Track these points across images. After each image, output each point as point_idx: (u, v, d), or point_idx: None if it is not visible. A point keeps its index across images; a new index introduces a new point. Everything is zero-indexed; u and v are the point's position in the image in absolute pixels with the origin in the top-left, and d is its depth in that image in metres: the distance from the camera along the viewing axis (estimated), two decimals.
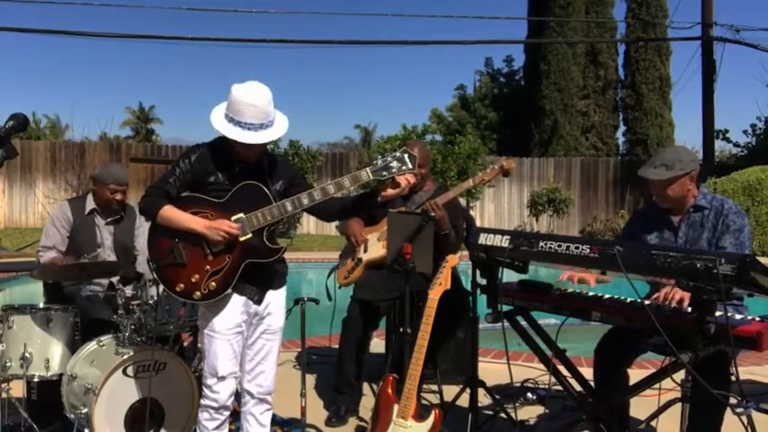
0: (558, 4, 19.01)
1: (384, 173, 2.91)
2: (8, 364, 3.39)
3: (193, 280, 2.85)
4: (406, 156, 2.92)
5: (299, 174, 3.26)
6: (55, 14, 50.15)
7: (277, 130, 2.87)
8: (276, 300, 3.07)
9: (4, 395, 3.41)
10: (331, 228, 15.42)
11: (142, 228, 4.13)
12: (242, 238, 2.85)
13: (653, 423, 3.03)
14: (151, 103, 31.99)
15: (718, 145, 17.73)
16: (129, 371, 3.29)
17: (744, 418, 2.67)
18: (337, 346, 4.22)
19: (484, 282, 3.26)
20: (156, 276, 2.91)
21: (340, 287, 4.17)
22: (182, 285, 2.86)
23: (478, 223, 14.28)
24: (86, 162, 15.40)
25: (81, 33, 16.20)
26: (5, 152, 2.23)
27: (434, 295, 3.11)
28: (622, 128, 20.58)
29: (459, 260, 3.25)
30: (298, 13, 37.24)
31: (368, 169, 2.91)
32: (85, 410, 3.23)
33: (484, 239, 3.13)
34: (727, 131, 17.09)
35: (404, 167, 2.92)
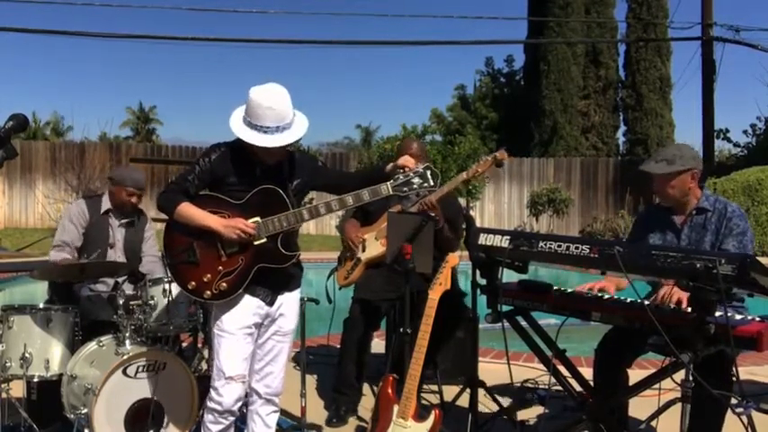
0: (558, 4, 18.98)
1: (405, 188, 2.92)
2: (8, 365, 3.39)
3: (205, 279, 2.87)
4: (428, 172, 2.94)
5: (318, 168, 3.26)
6: (55, 14, 50.25)
7: (295, 132, 2.87)
8: (289, 302, 3.07)
9: (4, 395, 3.42)
10: (331, 228, 15.43)
11: (150, 231, 4.18)
12: (256, 242, 2.86)
13: (653, 423, 3.02)
14: (151, 104, 32.02)
15: (718, 145, 17.74)
16: (129, 371, 3.29)
17: (744, 418, 2.67)
18: (337, 346, 4.22)
19: (484, 282, 3.26)
20: (169, 272, 2.93)
21: (340, 288, 4.18)
22: (193, 283, 2.88)
23: (478, 223, 14.28)
24: (86, 162, 15.39)
25: (81, 33, 16.14)
26: (5, 152, 2.23)
27: (434, 295, 3.11)
28: (622, 128, 20.57)
29: (459, 260, 3.25)
30: (298, 14, 37.18)
31: (388, 183, 2.91)
32: (85, 411, 3.23)
33: (484, 239, 3.13)
34: (727, 131, 17.09)
35: (425, 184, 2.93)
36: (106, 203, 4.09)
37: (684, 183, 3.14)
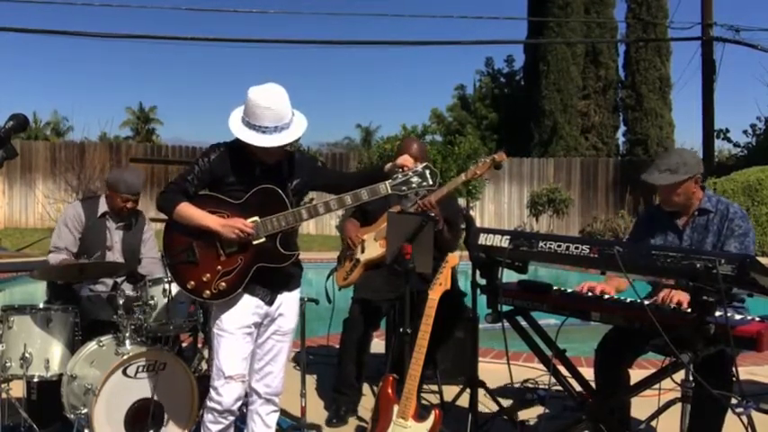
0: (558, 4, 18.98)
1: (404, 187, 2.91)
2: (8, 365, 3.39)
3: (204, 279, 2.87)
4: (427, 172, 2.92)
5: (318, 168, 3.26)
6: (55, 14, 50.23)
7: (294, 131, 2.87)
8: (289, 301, 3.07)
9: (4, 395, 3.42)
10: (331, 228, 15.43)
11: (149, 233, 4.16)
12: (255, 242, 2.86)
13: (653, 423, 3.03)
14: (151, 104, 32.02)
15: (718, 145, 17.75)
16: (129, 371, 3.29)
17: (744, 418, 2.67)
18: (337, 347, 4.22)
19: (484, 282, 3.26)
20: (168, 272, 2.94)
21: (339, 289, 4.17)
22: (192, 283, 2.89)
23: (478, 223, 14.28)
24: (86, 162, 15.39)
25: (81, 33, 16.12)
26: (5, 152, 2.23)
27: (434, 295, 3.11)
28: (622, 128, 20.58)
29: (460, 260, 3.25)
30: (298, 14, 37.24)
31: (387, 183, 2.90)
32: (85, 411, 3.23)
33: (484, 239, 3.13)
34: (727, 131, 17.10)
35: (424, 183, 2.92)
36: (103, 206, 4.05)
37: (689, 189, 3.15)
